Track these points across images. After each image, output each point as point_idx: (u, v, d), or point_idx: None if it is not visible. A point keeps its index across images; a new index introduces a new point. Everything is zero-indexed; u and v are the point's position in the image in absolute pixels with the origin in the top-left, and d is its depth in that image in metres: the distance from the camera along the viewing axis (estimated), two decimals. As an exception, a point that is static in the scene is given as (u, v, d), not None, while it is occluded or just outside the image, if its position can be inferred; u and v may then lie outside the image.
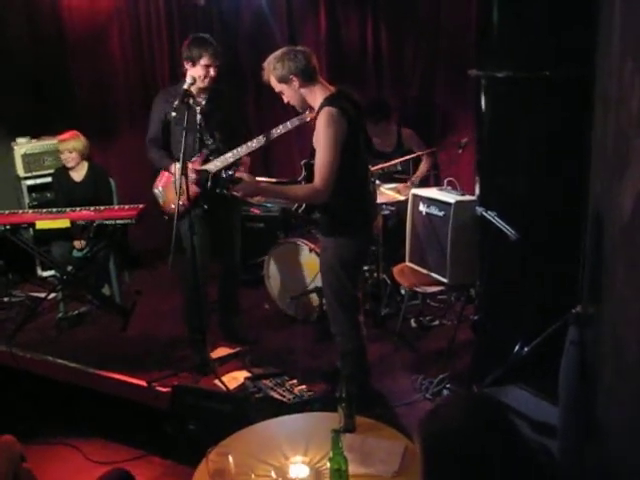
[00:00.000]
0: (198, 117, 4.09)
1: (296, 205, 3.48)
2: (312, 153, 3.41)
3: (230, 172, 3.15)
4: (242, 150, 4.01)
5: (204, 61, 4.04)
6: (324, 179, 3.19)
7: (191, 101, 3.90)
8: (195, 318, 4.24)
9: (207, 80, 4.08)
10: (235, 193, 3.26)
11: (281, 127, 3.90)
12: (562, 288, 3.13)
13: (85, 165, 5.19)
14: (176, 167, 3.98)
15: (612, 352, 2.15)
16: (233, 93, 4.43)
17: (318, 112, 3.25)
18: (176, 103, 3.87)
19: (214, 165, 4.03)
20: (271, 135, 3.93)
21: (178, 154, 3.87)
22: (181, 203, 3.91)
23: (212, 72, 4.08)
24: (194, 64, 4.06)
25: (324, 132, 3.17)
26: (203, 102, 4.16)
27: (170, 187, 4.16)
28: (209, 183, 3.12)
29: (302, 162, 3.49)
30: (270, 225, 5.50)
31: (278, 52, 3.33)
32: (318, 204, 3.32)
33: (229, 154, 4.03)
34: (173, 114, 4.00)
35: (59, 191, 5.27)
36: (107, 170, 5.39)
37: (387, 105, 5.23)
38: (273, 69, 3.30)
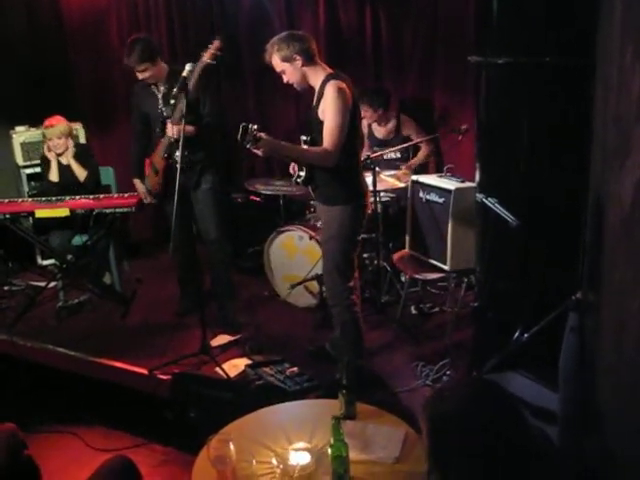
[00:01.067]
0: (160, 104, 4.33)
1: (295, 176, 3.62)
2: (311, 129, 3.56)
3: (254, 127, 3.27)
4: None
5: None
6: (334, 142, 3.39)
7: (154, 89, 4.35)
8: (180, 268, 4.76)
9: (146, 80, 4.33)
10: (256, 151, 3.39)
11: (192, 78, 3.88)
12: (562, 275, 3.13)
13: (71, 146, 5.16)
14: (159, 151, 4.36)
15: (612, 340, 2.16)
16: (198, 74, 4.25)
17: (323, 87, 3.45)
18: (163, 88, 4.26)
19: (170, 125, 4.12)
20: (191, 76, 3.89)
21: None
22: (155, 185, 4.48)
23: (139, 76, 4.30)
24: None
25: (334, 100, 3.38)
26: (162, 89, 4.34)
27: (150, 172, 4.52)
28: (239, 134, 3.23)
29: (302, 138, 3.57)
30: (269, 213, 5.50)
31: (282, 34, 3.55)
32: (328, 167, 3.48)
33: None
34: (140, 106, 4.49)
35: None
36: (90, 146, 5.34)
37: (386, 92, 5.22)
38: (277, 50, 3.50)
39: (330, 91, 3.40)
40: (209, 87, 4.27)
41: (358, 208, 3.62)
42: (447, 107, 5.34)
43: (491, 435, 1.51)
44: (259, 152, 3.40)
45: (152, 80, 4.34)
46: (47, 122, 5.07)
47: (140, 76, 4.31)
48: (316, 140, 3.50)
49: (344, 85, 3.41)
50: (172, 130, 4.13)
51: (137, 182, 4.68)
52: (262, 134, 3.33)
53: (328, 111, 3.40)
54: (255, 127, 3.28)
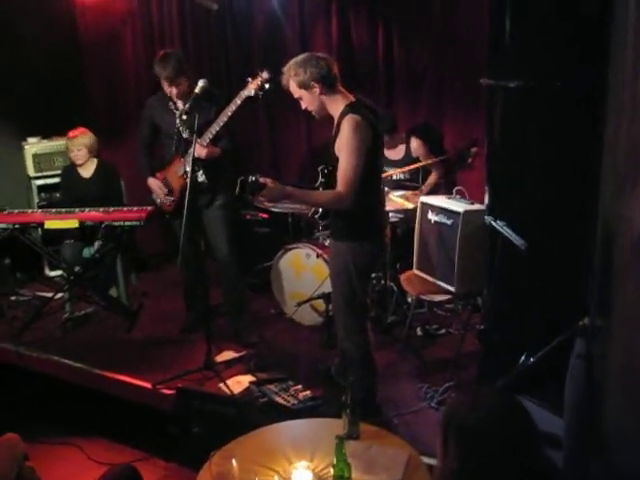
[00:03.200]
0: (177, 122, 4.25)
1: (313, 210, 3.47)
2: (327, 159, 3.40)
3: (254, 178, 3.14)
4: (216, 127, 4.09)
5: (163, 81, 4.21)
6: (349, 185, 3.13)
7: (172, 106, 4.27)
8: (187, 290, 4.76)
9: (174, 95, 4.25)
10: (261, 199, 3.24)
11: (232, 104, 4.00)
12: (570, 299, 3.12)
13: (94, 162, 5.20)
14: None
15: (621, 366, 2.14)
16: (219, 95, 4.30)
17: (341, 119, 3.20)
18: (182, 106, 4.15)
19: (199, 146, 4.07)
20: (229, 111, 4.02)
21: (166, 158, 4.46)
22: (169, 203, 4.45)
23: (173, 90, 4.21)
24: (160, 79, 4.24)
25: (349, 139, 3.12)
26: (182, 107, 4.23)
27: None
28: (237, 189, 3.13)
29: (320, 168, 3.43)
30: (277, 230, 5.51)
31: (299, 57, 3.28)
32: (342, 209, 3.24)
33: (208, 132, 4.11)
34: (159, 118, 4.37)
35: (67, 188, 5.28)
36: (116, 166, 5.37)
37: (393, 119, 5.19)
38: (294, 75, 3.23)
39: (345, 128, 3.13)
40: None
41: (367, 247, 3.34)
42: (458, 130, 5.35)
43: (510, 448, 1.53)
44: (264, 200, 3.24)
45: (179, 96, 4.24)
46: (71, 133, 5.14)
47: (171, 90, 4.20)
48: (333, 174, 3.25)
49: (361, 119, 3.13)
50: (201, 151, 4.08)
51: (152, 180, 4.53)
52: (267, 180, 3.16)
53: (343, 151, 3.14)
54: (256, 176, 3.13)
